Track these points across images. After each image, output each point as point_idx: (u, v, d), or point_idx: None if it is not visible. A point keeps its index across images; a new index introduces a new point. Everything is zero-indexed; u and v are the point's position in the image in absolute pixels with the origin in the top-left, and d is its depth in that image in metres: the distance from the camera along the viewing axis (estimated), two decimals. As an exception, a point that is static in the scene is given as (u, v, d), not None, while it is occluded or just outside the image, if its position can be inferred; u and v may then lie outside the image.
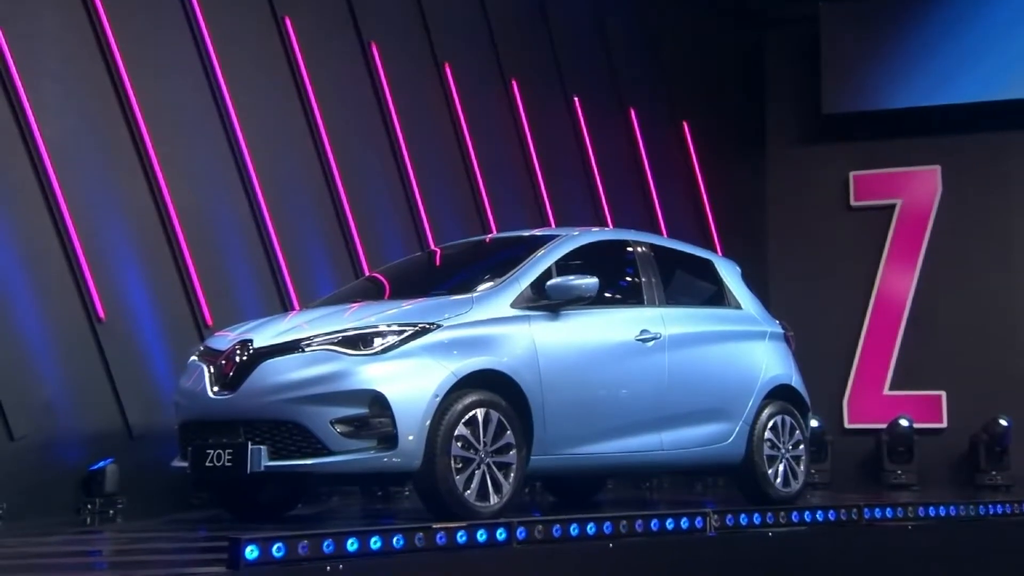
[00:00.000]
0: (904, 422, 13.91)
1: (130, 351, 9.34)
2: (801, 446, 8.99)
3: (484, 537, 5.74)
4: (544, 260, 7.79)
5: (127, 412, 9.22)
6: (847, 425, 14.94)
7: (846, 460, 14.36)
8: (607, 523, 6.46)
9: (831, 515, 8.04)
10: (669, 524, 6.83)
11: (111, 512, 8.71)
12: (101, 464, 8.87)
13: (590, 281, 7.53)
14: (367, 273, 10.58)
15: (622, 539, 6.51)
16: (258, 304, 10.10)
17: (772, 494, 8.68)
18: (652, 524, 6.72)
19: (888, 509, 8.32)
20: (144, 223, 9.61)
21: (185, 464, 7.25)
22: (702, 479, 13.02)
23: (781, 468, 8.80)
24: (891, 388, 14.91)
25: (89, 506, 8.75)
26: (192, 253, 9.79)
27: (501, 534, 5.81)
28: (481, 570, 5.73)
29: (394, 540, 5.37)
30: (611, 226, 13.27)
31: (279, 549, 4.86)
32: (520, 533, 5.91)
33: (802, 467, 8.96)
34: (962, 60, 14.74)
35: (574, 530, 6.26)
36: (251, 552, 4.76)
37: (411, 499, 10.36)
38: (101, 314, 9.13)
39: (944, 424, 14.55)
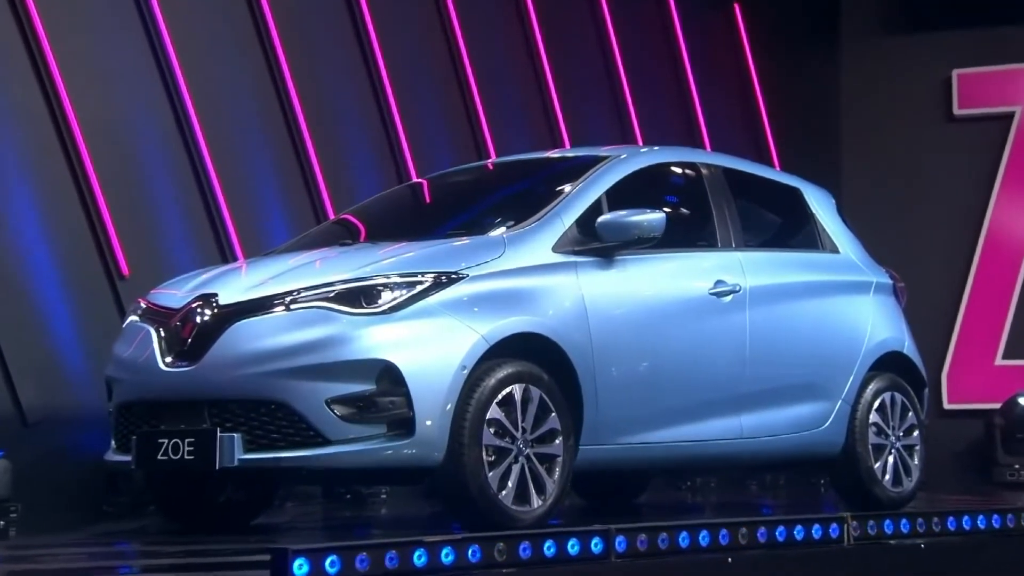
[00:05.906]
0: (1024, 401, 14.19)
1: (21, 311, 9.47)
2: (915, 432, 9.22)
3: (576, 549, 6.00)
4: (591, 190, 7.92)
5: (19, 391, 9.37)
6: (947, 405, 15.28)
7: (945, 450, 14.51)
8: (723, 531, 6.73)
9: (995, 521, 8.13)
10: (798, 533, 7.10)
11: (2, 524, 8.82)
12: (-12, 461, 9.02)
13: (654, 217, 7.64)
14: (331, 212, 10.72)
15: (742, 551, 6.77)
16: (189, 250, 10.26)
17: (880, 494, 8.91)
18: (777, 533, 7.00)
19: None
20: (38, 140, 9.72)
21: (127, 458, 7.40)
22: (758, 477, 13.32)
23: (891, 461, 9.02)
24: (1005, 357, 15.20)
25: (-25, 516, 8.90)
26: (102, 182, 9.88)
27: (597, 545, 6.08)
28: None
29: (469, 552, 5.62)
30: (640, 142, 13.45)
31: (333, 564, 5.13)
32: (619, 544, 6.17)
33: (917, 460, 9.18)
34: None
35: (683, 540, 6.51)
36: (300, 567, 5.02)
37: (389, 504, 10.58)
38: (-17, 262, 9.29)
39: (1077, 404, 14.82)
